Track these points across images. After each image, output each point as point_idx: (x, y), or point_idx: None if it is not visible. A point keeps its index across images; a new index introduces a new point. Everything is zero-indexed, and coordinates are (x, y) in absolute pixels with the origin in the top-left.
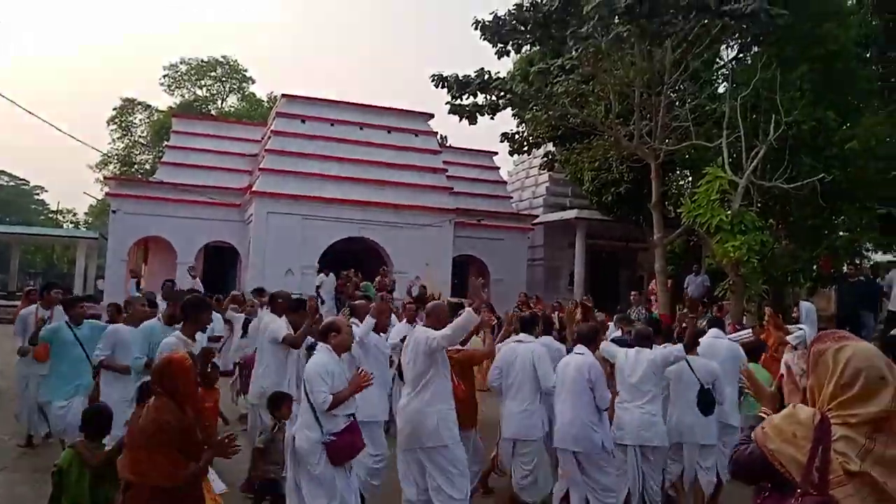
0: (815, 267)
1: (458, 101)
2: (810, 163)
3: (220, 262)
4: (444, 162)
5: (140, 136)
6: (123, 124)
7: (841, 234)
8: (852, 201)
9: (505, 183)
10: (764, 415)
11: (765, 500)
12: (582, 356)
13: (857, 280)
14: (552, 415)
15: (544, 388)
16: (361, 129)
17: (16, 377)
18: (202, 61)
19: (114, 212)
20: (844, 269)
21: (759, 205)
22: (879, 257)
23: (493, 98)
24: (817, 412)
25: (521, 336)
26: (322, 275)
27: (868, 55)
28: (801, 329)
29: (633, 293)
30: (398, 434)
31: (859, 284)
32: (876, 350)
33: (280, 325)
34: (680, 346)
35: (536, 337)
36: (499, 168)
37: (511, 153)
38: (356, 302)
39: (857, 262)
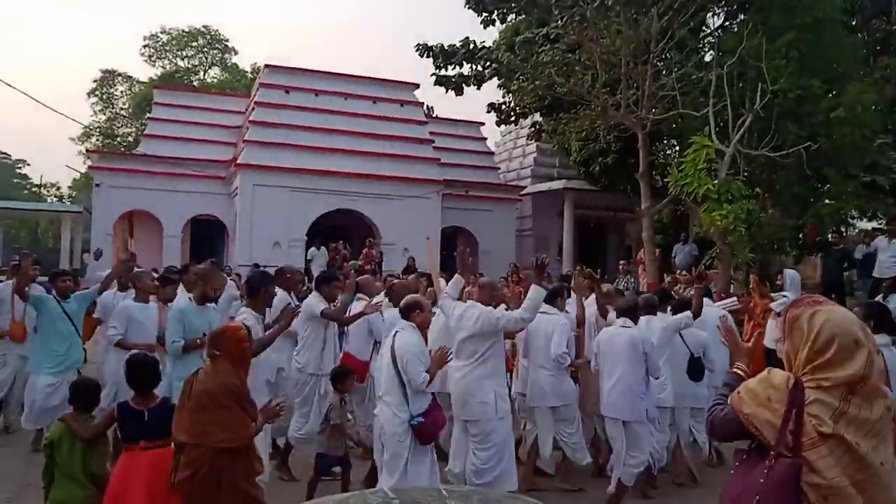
0: (800, 235)
1: (444, 72)
2: (796, 131)
3: (206, 236)
4: (431, 133)
5: (122, 109)
6: (104, 97)
7: (826, 202)
8: (837, 169)
9: (492, 154)
10: (738, 370)
11: (744, 461)
12: (630, 329)
13: (841, 248)
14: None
15: (554, 355)
16: (346, 99)
17: None
18: (183, 31)
19: (97, 185)
20: (829, 236)
21: (745, 173)
22: (864, 224)
23: (479, 68)
24: (791, 376)
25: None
26: (313, 248)
27: (853, 23)
28: (785, 297)
29: (621, 262)
30: (453, 405)
31: (844, 251)
32: (850, 314)
33: (316, 300)
34: (688, 312)
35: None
36: (486, 139)
37: (498, 124)
38: (362, 277)
39: (843, 229)
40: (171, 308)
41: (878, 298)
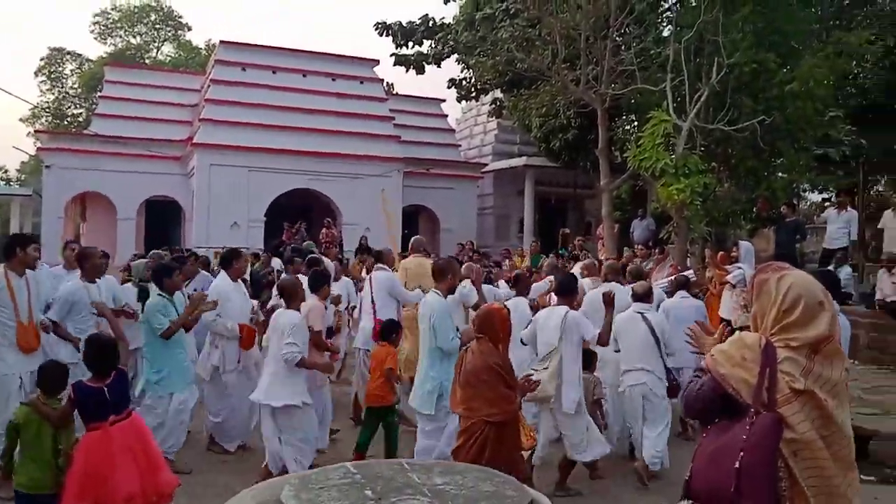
0: (754, 208)
1: (404, 51)
2: (751, 105)
3: (162, 218)
4: (391, 110)
5: (71, 88)
6: (53, 75)
7: (779, 175)
8: (790, 143)
9: (453, 131)
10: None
11: (713, 427)
12: (650, 314)
13: (793, 220)
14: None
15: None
16: (304, 76)
17: None
18: (134, 7)
19: (47, 167)
20: (782, 209)
21: (702, 148)
22: (815, 197)
23: (439, 46)
24: (762, 337)
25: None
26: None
27: None
28: (739, 268)
29: (578, 238)
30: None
31: (796, 224)
32: (813, 278)
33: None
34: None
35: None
36: (447, 116)
37: (459, 100)
38: (383, 249)
39: (795, 202)
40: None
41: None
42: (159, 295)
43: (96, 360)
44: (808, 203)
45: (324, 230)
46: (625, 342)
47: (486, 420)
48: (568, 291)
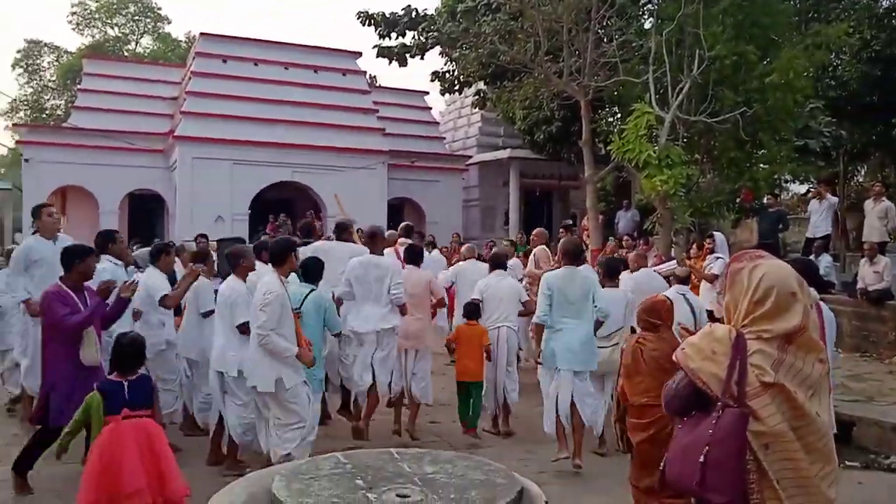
0: (737, 199)
1: (386, 42)
2: (732, 97)
3: (145, 212)
4: (375, 102)
5: (49, 81)
6: (30, 68)
7: (761, 166)
8: (772, 134)
9: (437, 123)
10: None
11: (688, 420)
12: (689, 294)
13: (776, 210)
14: None
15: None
16: (287, 69)
17: None
18: None
19: (26, 160)
20: (765, 200)
21: (684, 139)
22: (797, 187)
23: (422, 39)
24: (733, 329)
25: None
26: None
27: None
28: (719, 258)
29: (561, 230)
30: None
31: (778, 214)
32: (788, 268)
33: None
34: None
35: None
36: (431, 108)
37: (442, 93)
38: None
39: (776, 193)
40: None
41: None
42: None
43: (121, 357)
44: (791, 194)
45: (303, 220)
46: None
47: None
48: (616, 274)
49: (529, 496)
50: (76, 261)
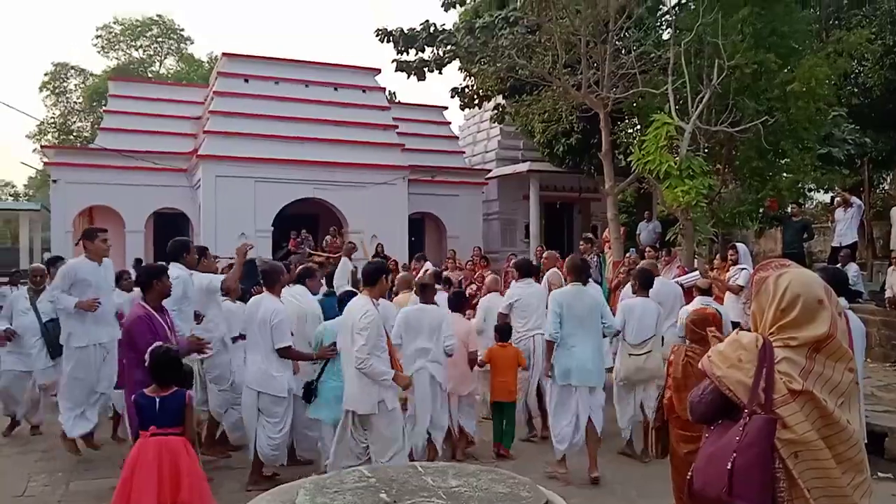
0: (761, 208)
1: (405, 57)
2: (753, 106)
3: (170, 230)
4: (395, 118)
5: (76, 103)
6: (57, 90)
7: (784, 175)
8: (794, 142)
9: (457, 138)
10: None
11: (716, 427)
12: (714, 303)
13: (800, 219)
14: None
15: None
16: (307, 86)
17: None
18: (136, 21)
19: (54, 181)
20: (789, 209)
21: (705, 150)
22: (821, 196)
23: (440, 53)
24: (760, 336)
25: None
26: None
27: None
28: (744, 269)
29: (581, 242)
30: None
31: (803, 223)
32: (814, 276)
33: None
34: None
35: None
36: (450, 123)
37: (462, 108)
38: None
39: (801, 202)
40: None
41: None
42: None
43: (154, 370)
44: (815, 203)
45: (328, 237)
46: None
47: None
48: (650, 284)
49: None
50: (154, 280)
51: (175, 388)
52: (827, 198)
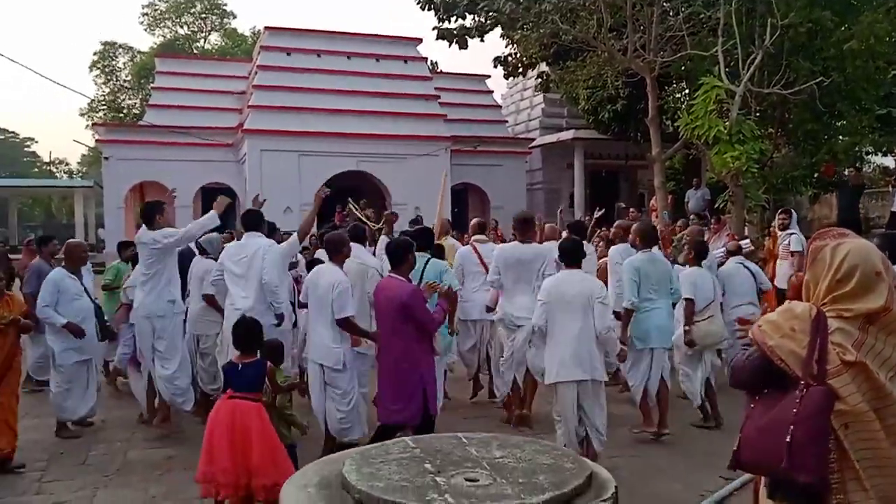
0: (815, 173)
1: (446, 25)
2: (808, 66)
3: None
4: (437, 88)
5: (125, 81)
6: (106, 69)
7: (840, 138)
8: (851, 103)
9: (499, 107)
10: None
11: (761, 399)
12: (748, 262)
13: (857, 184)
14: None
15: None
16: (349, 58)
17: None
18: None
19: (106, 158)
20: (846, 173)
21: (757, 113)
22: (880, 160)
23: (482, 19)
24: (813, 306)
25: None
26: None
27: None
28: (793, 234)
29: (631, 211)
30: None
31: (860, 188)
32: (872, 246)
33: None
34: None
35: None
36: (492, 92)
37: (506, 77)
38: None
39: (858, 166)
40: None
41: None
42: None
43: (240, 338)
44: (873, 166)
45: (385, 213)
46: (732, 285)
47: None
48: (705, 255)
49: (599, 481)
50: (409, 255)
51: (256, 358)
52: (886, 161)
